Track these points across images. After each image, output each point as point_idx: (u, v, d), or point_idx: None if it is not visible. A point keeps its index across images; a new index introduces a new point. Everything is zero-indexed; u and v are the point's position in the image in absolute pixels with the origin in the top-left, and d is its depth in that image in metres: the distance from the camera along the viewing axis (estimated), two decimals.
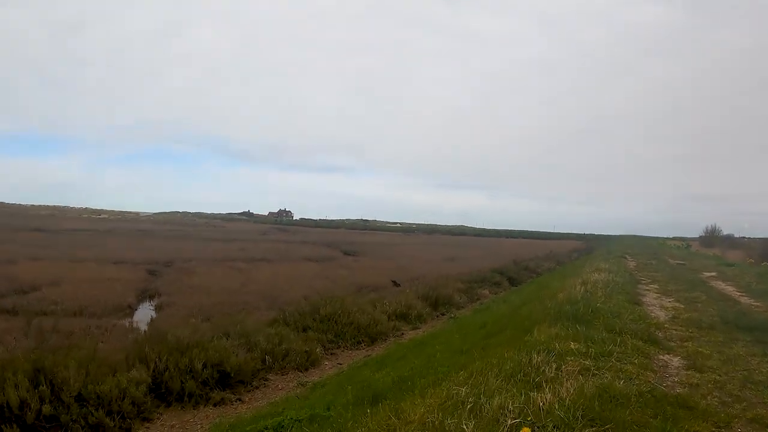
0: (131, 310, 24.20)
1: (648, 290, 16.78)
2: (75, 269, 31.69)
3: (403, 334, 16.86)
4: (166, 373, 10.32)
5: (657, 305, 13.83)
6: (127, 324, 20.80)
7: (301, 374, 12.05)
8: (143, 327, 20.74)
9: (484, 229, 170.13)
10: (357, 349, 14.58)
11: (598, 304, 11.20)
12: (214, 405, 10.28)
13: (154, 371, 10.45)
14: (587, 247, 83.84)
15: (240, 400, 10.54)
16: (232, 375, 10.75)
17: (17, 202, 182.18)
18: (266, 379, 11.58)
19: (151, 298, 26.70)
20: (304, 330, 14.55)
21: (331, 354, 13.96)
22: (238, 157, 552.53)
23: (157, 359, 10.54)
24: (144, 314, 23.47)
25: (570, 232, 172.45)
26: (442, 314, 21.32)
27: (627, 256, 35.47)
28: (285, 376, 11.89)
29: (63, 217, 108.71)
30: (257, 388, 11.19)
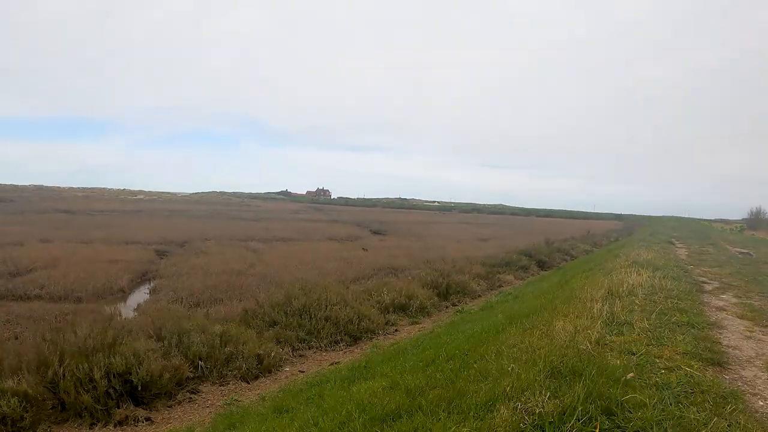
0: (123, 293, 22.67)
1: (724, 308, 9.82)
2: (80, 250, 30.39)
3: (397, 330, 14.27)
4: (62, 382, 8.12)
5: (755, 353, 6.98)
6: (109, 310, 19.09)
7: (246, 385, 9.68)
8: (123, 312, 19.26)
9: (523, 208, 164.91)
10: (333, 350, 12.05)
11: (631, 364, 5.76)
12: (116, 424, 8.08)
13: (53, 379, 8.26)
14: (627, 227, 78.87)
15: (149, 419, 8.31)
16: (139, 387, 8.44)
17: (56, 185, 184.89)
18: (196, 392, 9.26)
19: (148, 280, 24.91)
20: (273, 326, 12.17)
21: (300, 356, 11.54)
22: (276, 137, 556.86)
23: (57, 364, 8.34)
24: (134, 299, 21.95)
25: (610, 212, 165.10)
26: (454, 304, 18.72)
27: (674, 241, 28.84)
28: (224, 387, 9.56)
29: (96, 199, 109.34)
30: (181, 403, 8.89)
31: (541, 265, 30.42)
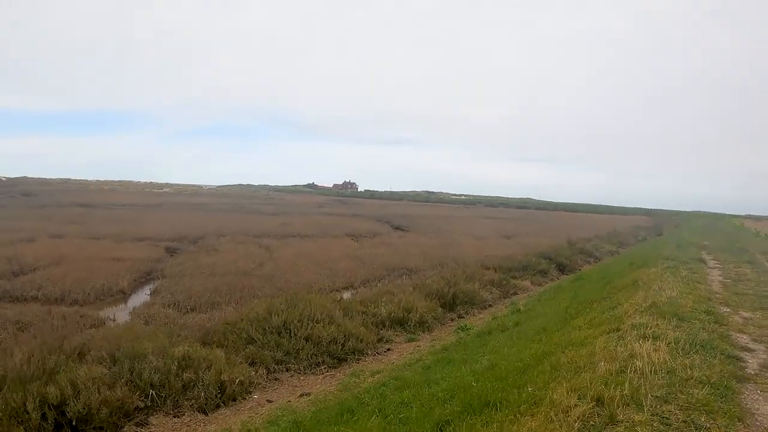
0: (123, 295, 22.00)
1: None
2: (88, 247, 29.97)
3: (389, 350, 12.78)
4: None
5: None
6: (102, 315, 18.43)
7: (203, 416, 8.62)
8: (117, 317, 18.54)
9: (549, 202, 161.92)
10: (313, 373, 10.82)
11: None
12: None
13: None
14: (655, 225, 75.70)
15: None
16: (74, 422, 7.44)
17: (84, 178, 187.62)
18: (145, 424, 8.23)
19: (152, 280, 24.19)
20: (251, 343, 11.08)
21: (275, 380, 10.40)
22: (304, 130, 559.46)
23: None
24: (133, 301, 21.21)
25: (637, 206, 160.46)
26: (460, 316, 17.30)
27: (704, 256, 22.20)
28: (178, 419, 8.52)
29: (120, 192, 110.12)
30: None
31: (562, 269, 28.72)
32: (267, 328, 11.44)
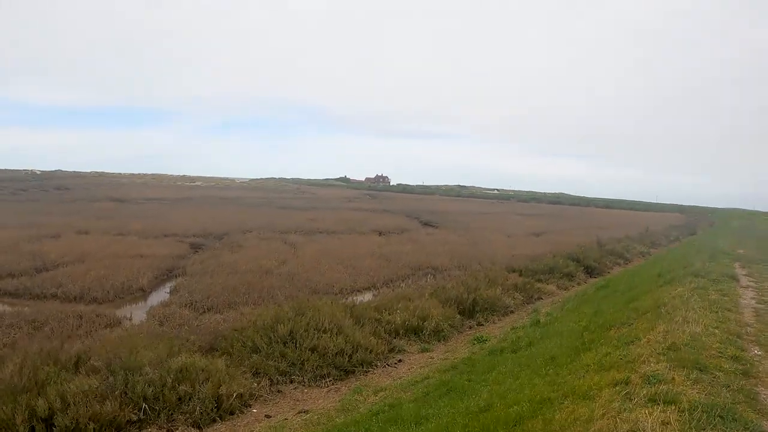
0: (143, 293, 21.87)
1: None
2: (112, 244, 30.04)
3: (401, 361, 12.21)
4: None
5: None
6: (119, 314, 18.27)
7: None
8: (135, 316, 18.37)
9: (583, 197, 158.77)
10: (318, 385, 10.23)
11: None
12: None
13: None
14: (689, 223, 72.94)
15: None
16: None
17: (118, 172, 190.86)
18: None
19: (174, 277, 24.04)
20: (255, 353, 10.62)
21: (277, 392, 9.91)
22: (337, 124, 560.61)
23: None
24: (153, 299, 21.05)
25: (672, 203, 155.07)
26: (479, 323, 16.51)
27: (737, 270, 18.06)
28: None
29: (152, 186, 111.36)
30: None
31: (590, 272, 27.60)
32: (273, 338, 10.97)
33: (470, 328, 15.97)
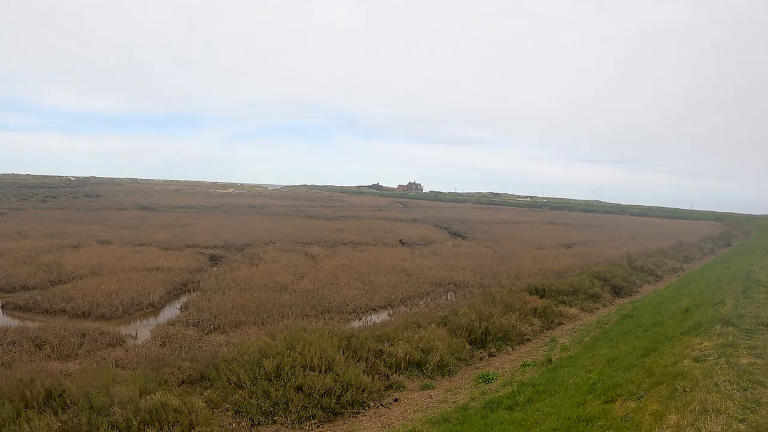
0: (153, 309, 21.42)
1: None
2: (130, 256, 29.77)
3: (397, 400, 11.05)
4: None
5: None
6: (120, 332, 17.65)
7: None
8: (140, 334, 17.75)
9: (617, 205, 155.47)
10: (301, 428, 9.25)
11: None
12: None
13: None
14: (724, 233, 69.25)
15: None
16: None
17: (151, 178, 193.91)
18: None
19: (187, 292, 23.50)
20: (239, 389, 9.71)
21: None
22: (370, 130, 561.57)
23: None
24: (163, 315, 20.56)
25: (707, 210, 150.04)
26: (491, 354, 15.19)
27: None
28: None
29: (183, 193, 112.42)
30: None
31: (617, 291, 25.78)
32: (258, 373, 10.07)
33: (480, 359, 14.74)
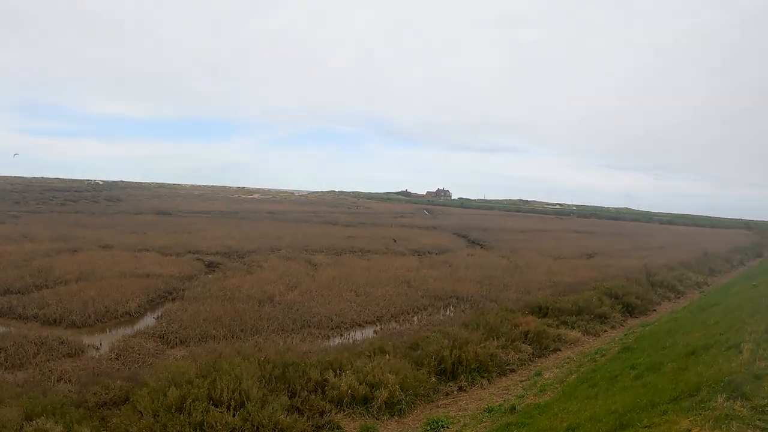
0: (129, 317, 20.68)
1: None
2: (124, 261, 29.23)
3: None
4: None
5: None
6: (84, 341, 16.69)
7: None
8: (104, 344, 16.72)
9: (646, 212, 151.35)
10: None
11: None
12: None
13: None
14: (755, 243, 66.81)
15: None
16: None
17: (180, 183, 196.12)
18: None
19: (169, 301, 22.56)
20: (141, 419, 8.47)
21: None
22: (400, 137, 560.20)
23: None
24: (134, 325, 19.55)
25: (739, 218, 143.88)
26: (461, 389, 12.99)
27: None
28: None
29: (207, 198, 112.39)
30: None
31: (630, 310, 23.10)
32: (162, 403, 8.80)
33: (447, 395, 12.75)
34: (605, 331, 20.24)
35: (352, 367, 11.70)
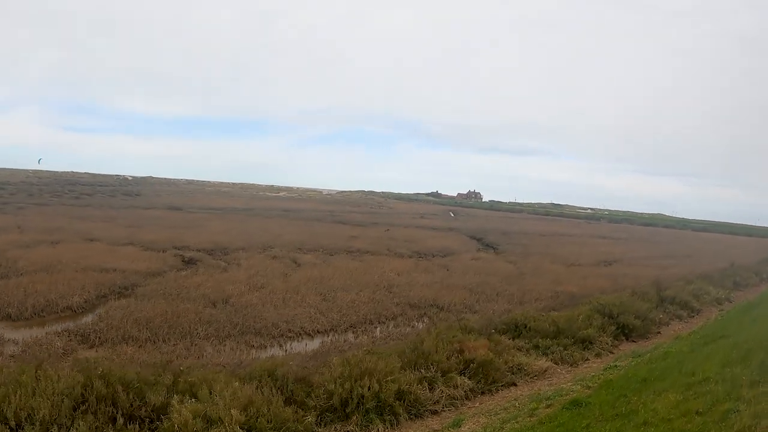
0: (69, 312, 19.81)
1: None
2: (96, 255, 28.87)
3: None
4: None
5: None
6: None
7: None
8: (22, 340, 15.45)
9: (679, 219, 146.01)
10: None
11: None
12: None
13: None
14: None
15: None
16: None
17: (211, 180, 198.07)
18: None
19: (121, 297, 21.61)
20: None
21: None
22: (431, 138, 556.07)
23: None
24: (77, 321, 18.23)
25: None
26: None
27: None
28: None
29: (228, 195, 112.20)
30: None
31: (627, 333, 19.30)
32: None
33: None
34: (587, 360, 16.51)
35: (211, 392, 9.74)
